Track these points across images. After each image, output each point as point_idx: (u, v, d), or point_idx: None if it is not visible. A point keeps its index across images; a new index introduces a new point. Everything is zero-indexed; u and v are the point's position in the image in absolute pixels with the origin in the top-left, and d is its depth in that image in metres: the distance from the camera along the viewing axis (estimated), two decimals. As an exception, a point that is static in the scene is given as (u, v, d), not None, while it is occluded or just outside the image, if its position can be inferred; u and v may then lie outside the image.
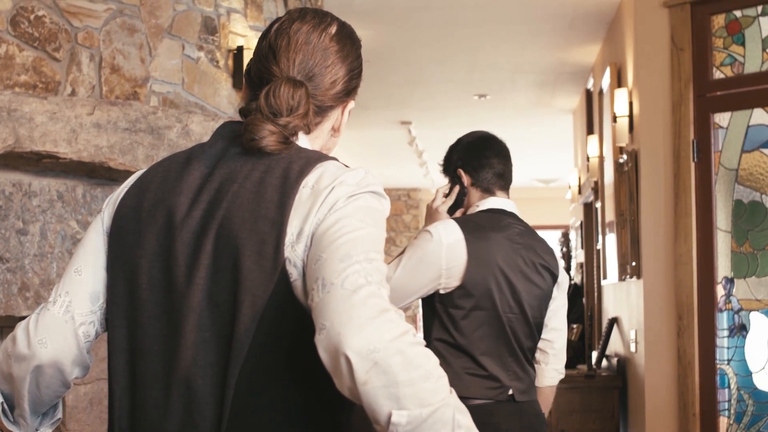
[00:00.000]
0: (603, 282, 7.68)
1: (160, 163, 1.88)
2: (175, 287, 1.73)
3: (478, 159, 3.43)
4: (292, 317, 1.67)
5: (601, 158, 7.51)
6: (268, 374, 1.68)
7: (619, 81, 6.36)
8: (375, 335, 1.52)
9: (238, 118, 1.87)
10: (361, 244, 1.63)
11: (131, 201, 1.82)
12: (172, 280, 1.73)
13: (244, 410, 1.68)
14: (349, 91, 1.92)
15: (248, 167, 1.75)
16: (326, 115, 1.90)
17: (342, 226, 1.64)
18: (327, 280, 1.58)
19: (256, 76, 1.87)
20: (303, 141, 1.84)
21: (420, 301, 3.29)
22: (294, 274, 1.66)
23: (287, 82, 1.79)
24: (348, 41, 1.91)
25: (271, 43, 1.86)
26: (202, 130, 3.67)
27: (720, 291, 4.92)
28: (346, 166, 1.76)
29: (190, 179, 1.78)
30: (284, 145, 1.77)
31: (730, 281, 4.89)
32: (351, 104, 1.94)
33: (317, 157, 1.76)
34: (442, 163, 3.54)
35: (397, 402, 1.53)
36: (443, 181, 3.58)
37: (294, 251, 1.66)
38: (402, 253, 3.24)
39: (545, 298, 3.35)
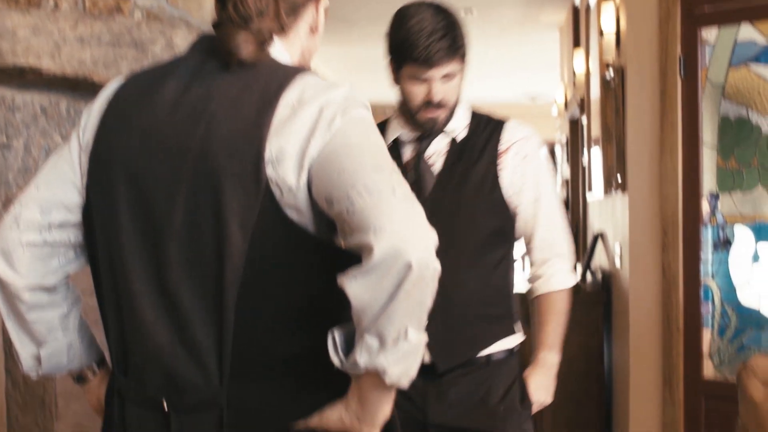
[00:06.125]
0: (588, 197, 7.71)
1: (137, 77, 1.83)
2: (155, 207, 1.71)
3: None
4: (282, 233, 1.66)
5: (588, 74, 7.48)
6: (264, 292, 1.68)
7: (606, -5, 6.31)
8: (431, 251, 1.53)
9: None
10: (382, 155, 1.63)
11: (109, 120, 1.79)
12: (152, 200, 1.71)
13: (246, 329, 1.68)
14: None
15: (225, 84, 1.72)
16: (299, 13, 1.84)
17: (353, 140, 1.63)
18: (370, 187, 1.55)
19: None
20: (279, 46, 1.80)
21: None
22: (278, 192, 1.64)
23: None
24: None
25: None
26: (186, 45, 3.63)
27: (705, 206, 4.94)
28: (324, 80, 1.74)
29: (165, 96, 1.75)
30: (262, 51, 1.74)
31: (715, 197, 4.91)
32: (325, 1, 1.90)
33: (295, 71, 1.73)
34: (450, 41, 2.85)
35: (418, 323, 1.55)
36: None
37: (276, 171, 1.63)
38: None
39: None
